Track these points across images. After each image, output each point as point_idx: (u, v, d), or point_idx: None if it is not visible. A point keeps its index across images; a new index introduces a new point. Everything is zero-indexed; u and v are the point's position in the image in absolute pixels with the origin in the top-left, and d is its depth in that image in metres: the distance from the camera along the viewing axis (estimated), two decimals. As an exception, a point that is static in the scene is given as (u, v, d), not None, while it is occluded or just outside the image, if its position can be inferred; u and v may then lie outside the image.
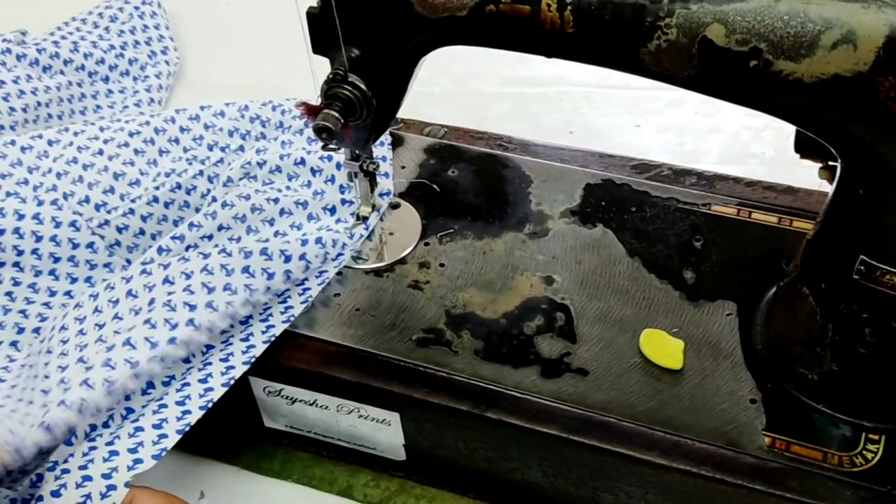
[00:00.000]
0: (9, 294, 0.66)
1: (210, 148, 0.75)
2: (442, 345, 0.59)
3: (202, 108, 0.77)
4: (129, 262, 0.69)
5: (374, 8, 0.51)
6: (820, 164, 0.54)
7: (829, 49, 0.41)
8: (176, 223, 0.71)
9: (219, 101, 0.78)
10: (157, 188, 0.71)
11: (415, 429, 0.58)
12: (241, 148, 0.75)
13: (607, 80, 0.92)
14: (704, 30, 0.44)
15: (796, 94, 0.43)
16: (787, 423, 0.53)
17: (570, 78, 0.93)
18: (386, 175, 0.70)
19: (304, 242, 0.63)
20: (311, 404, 0.59)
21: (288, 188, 0.68)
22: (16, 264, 0.67)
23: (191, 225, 0.65)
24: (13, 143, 0.74)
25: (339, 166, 0.68)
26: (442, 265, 0.64)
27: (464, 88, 0.94)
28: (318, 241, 0.64)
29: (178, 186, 0.72)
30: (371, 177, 0.65)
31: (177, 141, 0.75)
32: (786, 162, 0.81)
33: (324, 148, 0.59)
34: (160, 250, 0.64)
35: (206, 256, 0.60)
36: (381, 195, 0.68)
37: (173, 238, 0.64)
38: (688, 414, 0.54)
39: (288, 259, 0.61)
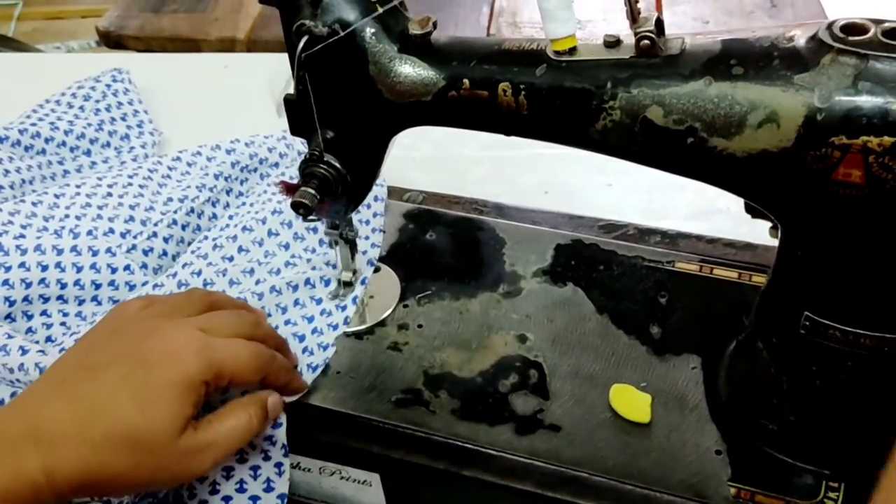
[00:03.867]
0: (63, 324, 0.70)
1: (216, 177, 0.81)
2: (420, 405, 0.61)
3: (199, 151, 0.83)
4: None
5: (346, 95, 0.55)
6: (770, 224, 0.58)
7: (755, 128, 0.44)
8: (189, 244, 0.77)
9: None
10: (174, 212, 0.76)
11: (395, 488, 0.61)
12: (240, 180, 0.82)
13: (581, 141, 0.96)
14: (644, 111, 0.47)
15: (731, 167, 0.46)
16: (751, 473, 0.56)
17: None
18: (375, 245, 0.73)
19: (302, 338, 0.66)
20: (294, 467, 0.61)
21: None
22: (60, 297, 0.70)
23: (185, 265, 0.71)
24: (22, 200, 0.77)
25: (322, 242, 0.73)
26: (420, 326, 0.67)
27: (444, 153, 0.98)
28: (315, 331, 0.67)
29: (192, 210, 0.77)
30: (351, 244, 0.69)
31: (169, 175, 0.82)
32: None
33: (304, 219, 0.63)
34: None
35: None
36: (368, 263, 0.71)
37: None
38: (656, 467, 0.56)
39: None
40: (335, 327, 0.66)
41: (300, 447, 0.60)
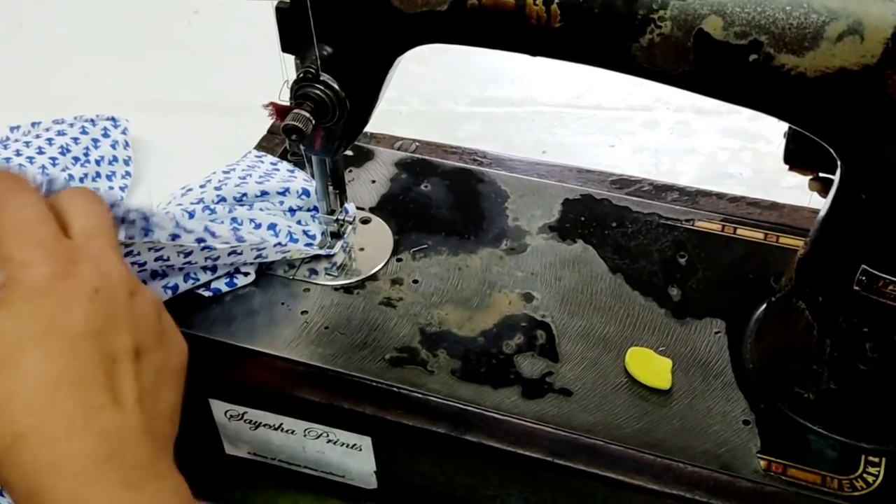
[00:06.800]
0: None
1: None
2: (416, 364, 0.55)
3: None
4: None
5: (349, 2, 0.48)
6: (810, 176, 0.53)
7: (833, 41, 0.39)
8: None
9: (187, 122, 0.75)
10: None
11: (387, 454, 0.54)
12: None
13: (580, 100, 0.91)
14: (701, 22, 0.41)
15: (799, 89, 0.41)
16: (782, 445, 0.51)
17: (542, 98, 0.92)
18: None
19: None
20: (276, 429, 0.55)
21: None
22: None
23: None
24: None
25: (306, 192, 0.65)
26: (416, 281, 0.61)
27: (433, 108, 0.92)
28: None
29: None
30: (341, 190, 0.62)
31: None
32: (764, 182, 0.80)
33: (290, 154, 0.56)
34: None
35: None
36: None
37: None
38: (678, 436, 0.51)
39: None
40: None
41: (283, 407, 0.54)
